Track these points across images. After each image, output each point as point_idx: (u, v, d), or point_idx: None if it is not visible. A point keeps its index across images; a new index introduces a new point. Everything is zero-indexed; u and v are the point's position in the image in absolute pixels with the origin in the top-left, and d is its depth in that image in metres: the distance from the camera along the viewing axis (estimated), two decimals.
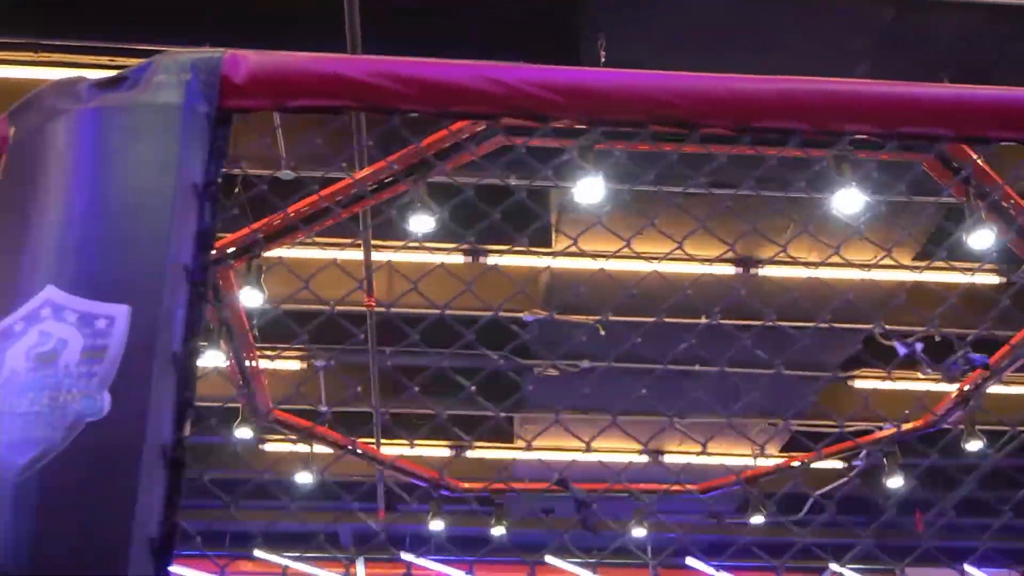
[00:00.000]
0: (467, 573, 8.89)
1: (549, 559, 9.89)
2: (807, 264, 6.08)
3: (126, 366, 1.73)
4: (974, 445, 7.28)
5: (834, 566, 9.08)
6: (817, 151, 4.41)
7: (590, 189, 4.53)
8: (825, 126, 2.15)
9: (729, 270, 6.38)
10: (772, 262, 6.24)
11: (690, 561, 9.50)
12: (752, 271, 6.23)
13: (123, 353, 1.74)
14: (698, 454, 8.37)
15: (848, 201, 5.00)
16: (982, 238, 5.03)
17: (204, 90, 1.99)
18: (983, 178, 4.54)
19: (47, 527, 1.64)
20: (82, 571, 1.61)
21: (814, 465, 8.67)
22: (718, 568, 9.74)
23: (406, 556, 9.26)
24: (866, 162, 4.42)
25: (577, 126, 2.14)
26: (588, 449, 2.21)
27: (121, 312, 1.77)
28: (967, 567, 9.50)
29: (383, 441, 8.19)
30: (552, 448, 8.92)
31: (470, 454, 9.02)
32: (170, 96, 1.96)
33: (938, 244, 6.26)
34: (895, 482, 7.67)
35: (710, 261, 6.21)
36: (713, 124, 2.10)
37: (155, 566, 1.66)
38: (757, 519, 8.61)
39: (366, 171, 4.59)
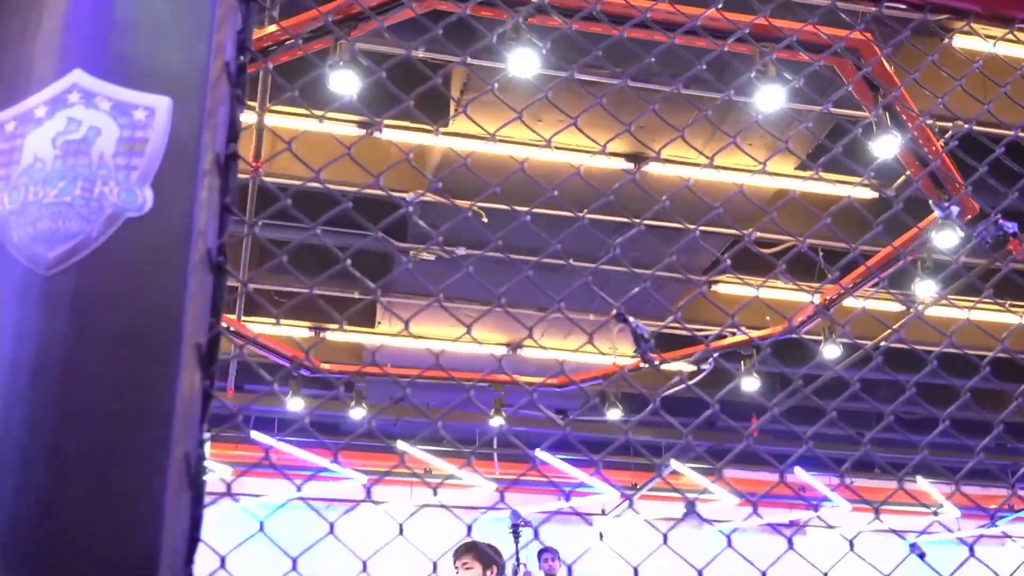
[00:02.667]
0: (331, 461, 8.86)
1: (400, 445, 9.92)
2: (695, 165, 6.17)
3: (169, 162, 1.60)
4: (831, 353, 7.62)
5: (675, 464, 9.46)
6: (741, 47, 4.47)
7: (518, 64, 4.43)
8: None
9: (620, 164, 6.40)
10: (661, 160, 6.30)
11: (539, 454, 9.71)
12: (641, 168, 6.28)
13: (165, 148, 1.61)
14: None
15: (751, 103, 5.08)
16: (873, 148, 5.21)
17: None
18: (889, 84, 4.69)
19: (84, 324, 1.51)
20: (125, 372, 1.49)
21: (667, 367, 8.93)
22: (569, 463, 10.02)
23: (258, 436, 9.10)
24: (787, 65, 4.48)
25: None
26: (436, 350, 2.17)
27: (162, 104, 1.63)
28: (797, 470, 10.07)
29: (243, 318, 7.99)
30: (415, 336, 8.88)
31: (329, 336, 8.89)
32: None
33: (818, 159, 6.45)
34: (749, 385, 7.97)
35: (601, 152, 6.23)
36: None
37: (202, 376, 1.56)
38: (614, 414, 8.83)
39: (291, 22, 4.37)
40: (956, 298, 8.13)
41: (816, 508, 10.51)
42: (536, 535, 8.58)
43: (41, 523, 1.41)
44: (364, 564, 1.44)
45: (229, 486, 2.37)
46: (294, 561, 1.71)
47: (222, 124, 1.68)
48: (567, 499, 10.66)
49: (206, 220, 1.61)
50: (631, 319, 2.56)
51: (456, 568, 5.04)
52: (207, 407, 1.58)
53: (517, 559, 8.45)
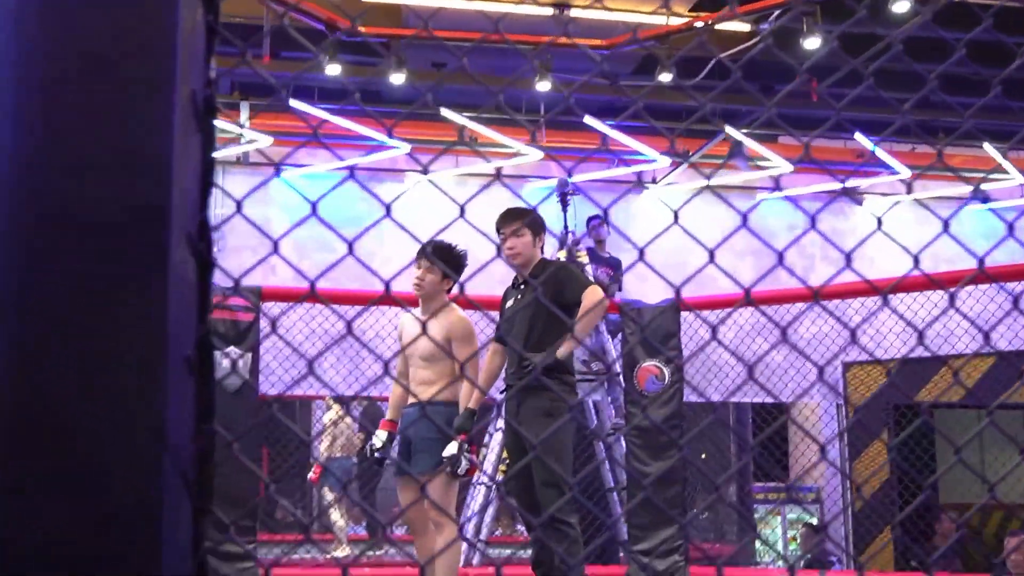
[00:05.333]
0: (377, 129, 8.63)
1: (445, 112, 9.73)
2: None
3: None
4: (901, 6, 7.15)
5: (730, 130, 9.20)
6: None
7: None
8: None
9: None
10: None
11: (588, 120, 9.47)
12: None
13: None
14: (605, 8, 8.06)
15: None
16: None
17: None
18: None
19: None
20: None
21: (721, 26, 8.51)
22: (614, 128, 9.79)
23: (297, 104, 8.94)
24: None
25: None
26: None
27: None
28: (858, 136, 9.75)
29: None
30: None
31: None
32: None
33: None
34: (812, 44, 7.56)
35: None
36: None
37: (204, 9, 1.40)
38: (664, 77, 8.50)
39: None
40: None
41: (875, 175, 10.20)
42: (580, 195, 8.50)
43: (36, 168, 1.28)
44: (388, 208, 1.30)
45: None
46: (314, 206, 1.59)
47: None
48: (615, 166, 10.53)
49: None
50: None
51: (503, 235, 4.81)
52: (212, 43, 1.43)
53: (565, 226, 8.43)
